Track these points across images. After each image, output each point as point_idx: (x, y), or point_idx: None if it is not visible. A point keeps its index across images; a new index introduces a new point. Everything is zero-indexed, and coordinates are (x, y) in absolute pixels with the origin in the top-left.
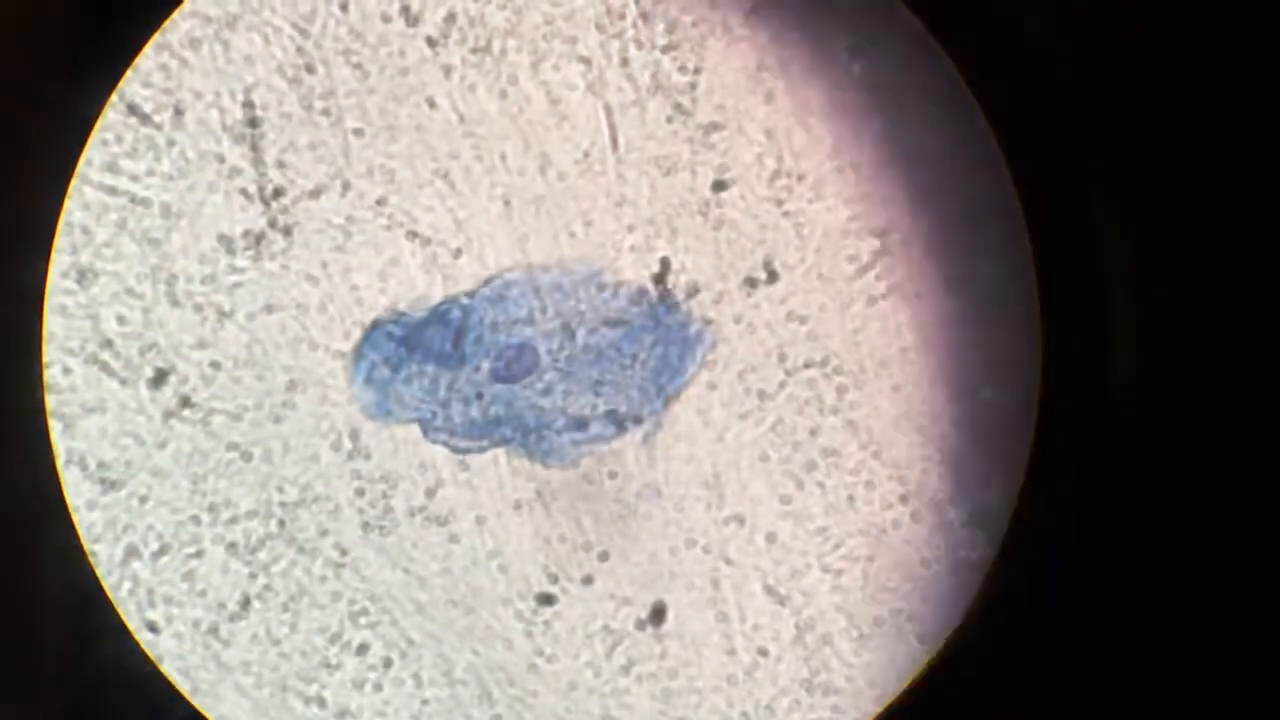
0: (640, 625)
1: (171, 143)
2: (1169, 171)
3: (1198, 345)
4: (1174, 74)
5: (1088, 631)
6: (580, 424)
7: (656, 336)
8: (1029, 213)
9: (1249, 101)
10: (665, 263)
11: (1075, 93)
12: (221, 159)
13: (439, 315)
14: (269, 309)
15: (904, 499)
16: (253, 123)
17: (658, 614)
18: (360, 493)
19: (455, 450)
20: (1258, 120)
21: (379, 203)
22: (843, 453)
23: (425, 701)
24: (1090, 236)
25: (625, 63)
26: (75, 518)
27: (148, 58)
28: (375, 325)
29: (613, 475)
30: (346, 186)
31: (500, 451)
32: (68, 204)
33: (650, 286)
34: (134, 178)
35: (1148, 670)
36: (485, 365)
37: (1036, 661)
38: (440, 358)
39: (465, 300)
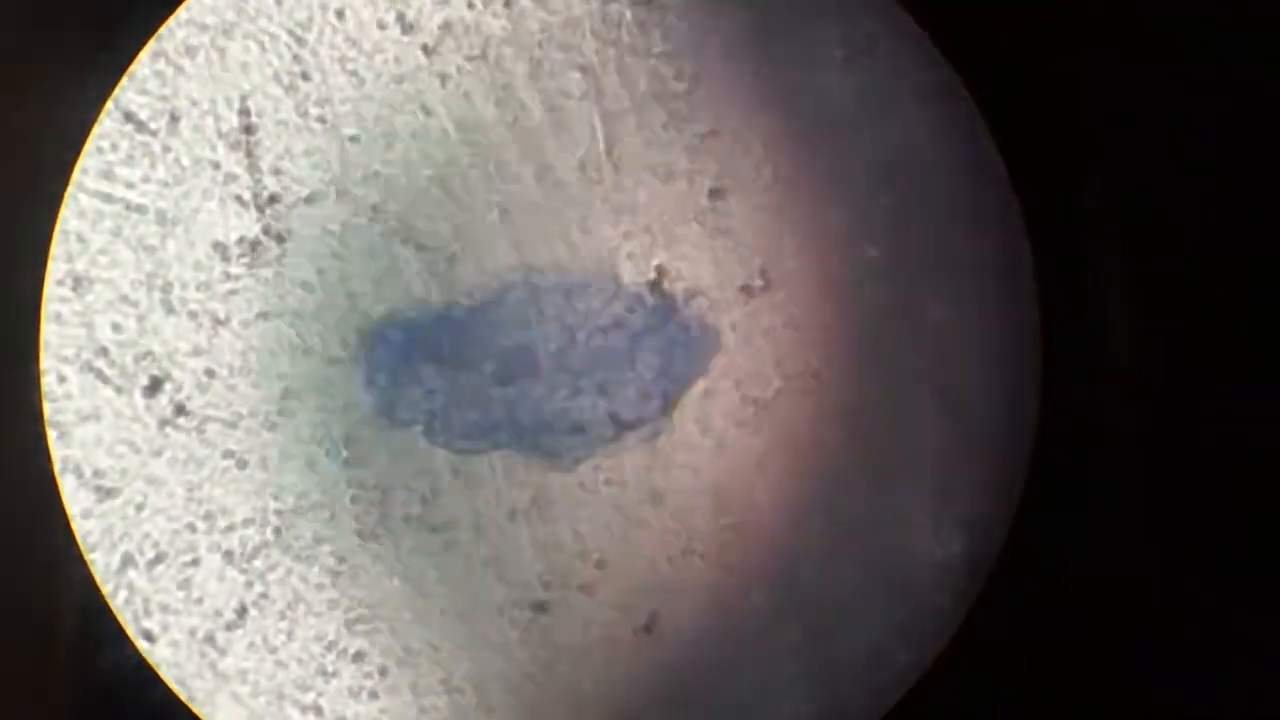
0: (637, 633)
1: (167, 149)
2: (1171, 176)
3: (1199, 357)
4: (1173, 75)
5: (1083, 644)
6: (580, 426)
7: (658, 339)
8: (1029, 221)
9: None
10: (661, 270)
11: (1075, 96)
12: (217, 166)
13: (440, 319)
14: (264, 316)
15: (901, 510)
16: (248, 129)
17: (655, 622)
18: (356, 500)
19: (456, 452)
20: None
21: (375, 210)
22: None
23: (422, 710)
24: (1091, 245)
25: (622, 70)
26: (72, 526)
27: (143, 65)
28: (377, 329)
29: (610, 483)
30: (342, 193)
31: (497, 459)
32: (63, 211)
33: (647, 294)
34: (129, 185)
35: (1144, 682)
36: (486, 368)
37: (1031, 673)
38: (441, 361)
39: (466, 303)
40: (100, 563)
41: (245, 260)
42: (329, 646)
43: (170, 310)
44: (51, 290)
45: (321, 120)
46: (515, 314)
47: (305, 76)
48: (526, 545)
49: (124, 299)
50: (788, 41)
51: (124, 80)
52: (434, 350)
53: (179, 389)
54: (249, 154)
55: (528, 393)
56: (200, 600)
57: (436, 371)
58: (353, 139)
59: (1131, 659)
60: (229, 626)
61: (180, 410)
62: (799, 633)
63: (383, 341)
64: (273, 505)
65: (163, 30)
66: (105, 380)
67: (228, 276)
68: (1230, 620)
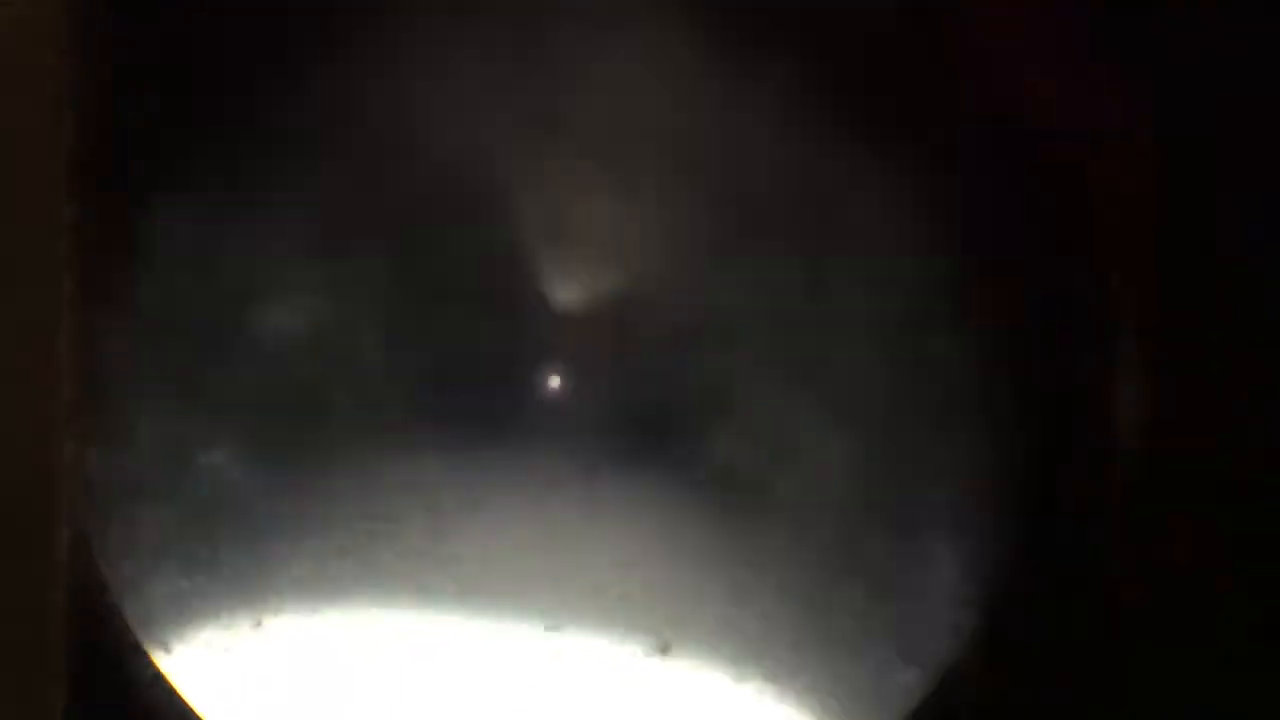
0: (652, 655)
1: None
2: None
3: (1208, 381)
4: (1176, 103)
5: (1087, 665)
6: None
7: None
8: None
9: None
10: None
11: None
12: None
13: None
14: None
15: (914, 532)
16: None
17: (669, 645)
18: (370, 531)
19: None
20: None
21: None
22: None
23: None
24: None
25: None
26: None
27: None
28: None
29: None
30: None
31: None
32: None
33: None
34: None
35: (1149, 702)
36: None
37: (1036, 695)
38: None
39: None
40: (119, 571)
41: None
42: (343, 666)
43: None
44: None
45: None
46: None
47: None
48: (540, 572)
49: None
50: None
51: None
52: None
53: None
54: None
55: None
56: (218, 612)
57: None
58: None
59: (1132, 692)
60: (246, 639)
61: None
62: (812, 653)
63: None
64: None
65: None
66: None
67: None
68: (1232, 651)
